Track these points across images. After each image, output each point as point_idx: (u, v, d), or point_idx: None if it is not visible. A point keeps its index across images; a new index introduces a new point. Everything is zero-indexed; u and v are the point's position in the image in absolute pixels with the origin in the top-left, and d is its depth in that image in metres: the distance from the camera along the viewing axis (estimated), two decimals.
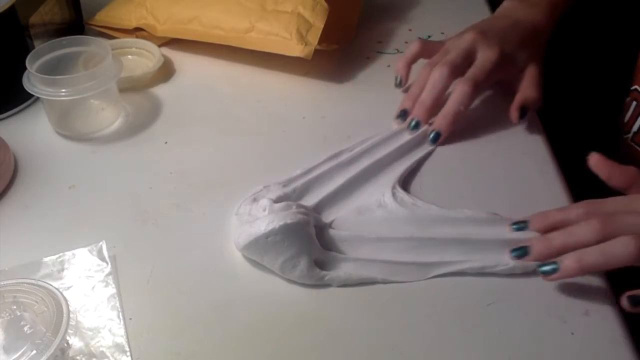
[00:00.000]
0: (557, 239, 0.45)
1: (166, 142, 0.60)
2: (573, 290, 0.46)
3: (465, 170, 0.57)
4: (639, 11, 0.60)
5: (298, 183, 0.53)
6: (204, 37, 0.70)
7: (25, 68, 0.58)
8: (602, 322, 0.44)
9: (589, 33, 0.82)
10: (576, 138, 0.66)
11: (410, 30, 0.76)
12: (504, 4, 0.66)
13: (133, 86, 0.67)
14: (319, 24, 0.66)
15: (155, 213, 0.53)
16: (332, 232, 0.49)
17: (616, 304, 0.45)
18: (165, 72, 0.70)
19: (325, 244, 0.48)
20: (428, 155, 0.58)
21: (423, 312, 0.45)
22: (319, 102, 0.65)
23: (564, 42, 0.71)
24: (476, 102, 0.64)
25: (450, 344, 0.43)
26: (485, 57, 0.59)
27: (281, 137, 0.61)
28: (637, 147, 0.60)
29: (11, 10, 0.60)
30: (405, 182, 0.55)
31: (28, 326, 0.41)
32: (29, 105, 0.65)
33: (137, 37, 0.73)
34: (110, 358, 0.42)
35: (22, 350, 0.40)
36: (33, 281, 0.45)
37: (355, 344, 0.43)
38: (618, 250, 0.42)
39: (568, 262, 0.44)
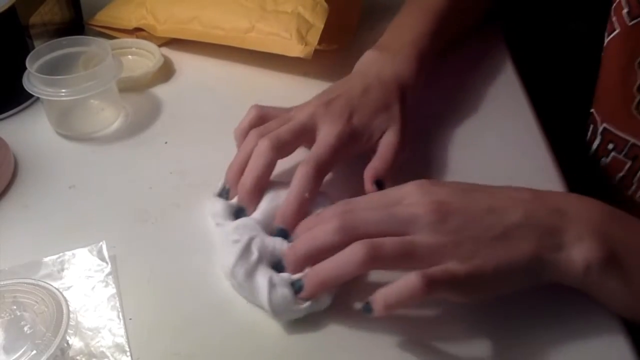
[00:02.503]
0: (301, 244, 0.44)
1: (166, 142, 0.60)
2: (573, 290, 0.46)
3: (465, 171, 0.56)
4: (597, 37, 0.59)
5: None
6: (204, 37, 0.70)
7: (25, 68, 0.58)
8: (602, 322, 0.44)
9: (552, 53, 0.82)
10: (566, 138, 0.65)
11: None
12: (364, 57, 0.59)
13: (133, 86, 0.67)
14: (319, 24, 0.66)
15: (155, 213, 0.53)
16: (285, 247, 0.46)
17: None
18: (165, 72, 0.70)
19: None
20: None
21: (422, 311, 0.45)
22: None
23: (529, 61, 0.71)
24: (474, 103, 0.64)
25: (450, 344, 0.43)
26: (326, 133, 0.51)
27: None
28: (600, 163, 0.61)
29: (11, 10, 0.60)
30: (402, 182, 0.55)
31: (28, 326, 0.41)
32: (29, 105, 0.65)
33: (137, 37, 0.73)
34: (110, 358, 0.42)
35: (22, 350, 0.40)
36: (33, 281, 0.45)
37: (355, 342, 0.43)
38: (347, 259, 0.41)
39: (309, 277, 0.43)
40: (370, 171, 0.51)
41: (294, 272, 0.44)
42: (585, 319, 0.44)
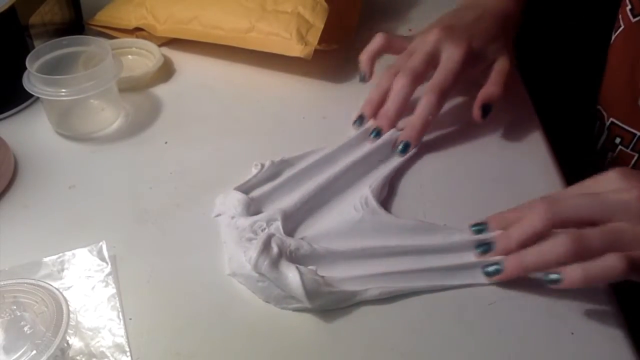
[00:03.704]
0: (514, 232, 0.45)
1: (166, 142, 0.60)
2: (573, 290, 0.46)
3: (465, 172, 0.57)
4: (602, 36, 0.60)
5: (257, 192, 0.53)
6: (204, 37, 0.70)
7: (25, 68, 0.58)
8: (602, 322, 0.44)
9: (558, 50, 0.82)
10: (572, 136, 0.65)
11: (410, 30, 0.76)
12: None
13: (133, 86, 0.67)
14: (319, 24, 0.66)
15: (155, 213, 0.53)
16: (306, 249, 0.47)
17: (616, 303, 0.45)
18: (165, 72, 0.70)
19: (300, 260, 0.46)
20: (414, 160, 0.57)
21: (423, 311, 0.45)
22: (319, 102, 0.65)
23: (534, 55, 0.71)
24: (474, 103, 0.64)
25: (451, 344, 0.43)
26: (450, 57, 0.56)
27: (281, 137, 0.61)
28: (606, 158, 0.61)
29: (11, 10, 0.60)
30: (403, 183, 0.55)
31: (28, 326, 0.41)
32: (29, 105, 0.65)
33: (137, 37, 0.73)
34: (110, 358, 0.42)
35: (22, 350, 0.40)
36: (33, 281, 0.45)
37: (355, 343, 0.43)
38: (552, 250, 0.42)
39: (511, 261, 0.44)
40: (484, 95, 0.57)
41: (504, 253, 0.45)
42: (585, 318, 0.44)
